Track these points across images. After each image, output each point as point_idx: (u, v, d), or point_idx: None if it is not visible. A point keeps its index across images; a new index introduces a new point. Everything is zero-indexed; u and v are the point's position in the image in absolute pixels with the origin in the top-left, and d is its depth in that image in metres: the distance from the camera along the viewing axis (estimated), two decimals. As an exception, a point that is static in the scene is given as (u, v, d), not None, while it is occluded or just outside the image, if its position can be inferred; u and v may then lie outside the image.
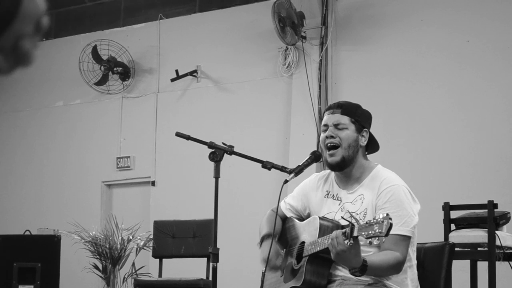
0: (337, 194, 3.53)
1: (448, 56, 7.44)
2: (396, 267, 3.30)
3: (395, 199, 3.35)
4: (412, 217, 3.35)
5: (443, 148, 7.35)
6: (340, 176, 3.54)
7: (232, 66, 8.73)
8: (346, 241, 2.99)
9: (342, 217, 3.31)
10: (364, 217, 3.38)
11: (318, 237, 3.34)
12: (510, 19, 7.23)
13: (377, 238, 2.84)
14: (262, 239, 3.65)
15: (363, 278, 3.32)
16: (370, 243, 2.88)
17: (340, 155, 3.44)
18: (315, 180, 3.67)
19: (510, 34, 7.20)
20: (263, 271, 3.63)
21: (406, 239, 3.32)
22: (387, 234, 2.84)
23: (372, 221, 2.89)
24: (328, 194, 3.57)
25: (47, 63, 10.03)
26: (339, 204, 3.49)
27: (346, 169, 3.48)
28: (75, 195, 9.52)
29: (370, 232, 2.87)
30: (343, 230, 3.03)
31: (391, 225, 2.84)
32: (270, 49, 8.37)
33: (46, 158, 9.83)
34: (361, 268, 3.09)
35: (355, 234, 2.95)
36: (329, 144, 3.47)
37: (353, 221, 3.02)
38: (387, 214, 2.86)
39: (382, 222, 2.85)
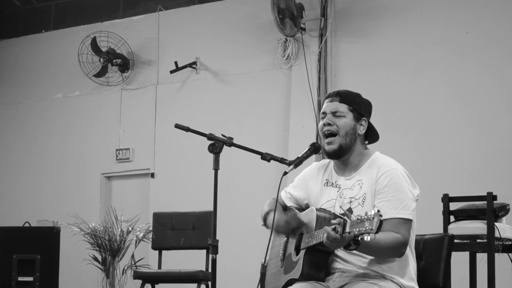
0: (335, 182, 3.54)
1: (448, 47, 7.43)
2: (396, 248, 3.28)
3: (394, 183, 3.35)
4: (411, 200, 3.35)
5: (443, 140, 7.35)
6: (339, 163, 3.55)
7: (231, 58, 8.72)
8: (338, 236, 3.02)
9: (335, 213, 3.34)
10: (363, 201, 3.39)
11: (315, 229, 3.34)
12: (510, 11, 7.22)
13: (368, 234, 2.87)
14: (266, 215, 3.66)
15: (362, 270, 3.33)
16: (362, 239, 2.90)
17: (337, 143, 3.45)
18: (315, 169, 3.67)
19: (510, 26, 7.19)
20: (263, 263, 3.62)
21: (407, 221, 3.31)
22: (377, 231, 2.86)
23: (363, 217, 2.92)
24: (327, 183, 3.57)
25: (46, 55, 10.02)
26: (337, 191, 3.50)
27: (344, 156, 3.49)
28: (74, 187, 9.52)
29: (361, 228, 2.90)
30: (333, 227, 3.05)
31: (381, 222, 2.86)
32: (269, 40, 8.36)
33: (45, 150, 9.82)
34: (354, 241, 3.07)
35: (347, 230, 2.98)
36: (326, 132, 3.48)
37: (345, 217, 3.04)
38: (378, 211, 2.88)
39: (373, 219, 2.87)
